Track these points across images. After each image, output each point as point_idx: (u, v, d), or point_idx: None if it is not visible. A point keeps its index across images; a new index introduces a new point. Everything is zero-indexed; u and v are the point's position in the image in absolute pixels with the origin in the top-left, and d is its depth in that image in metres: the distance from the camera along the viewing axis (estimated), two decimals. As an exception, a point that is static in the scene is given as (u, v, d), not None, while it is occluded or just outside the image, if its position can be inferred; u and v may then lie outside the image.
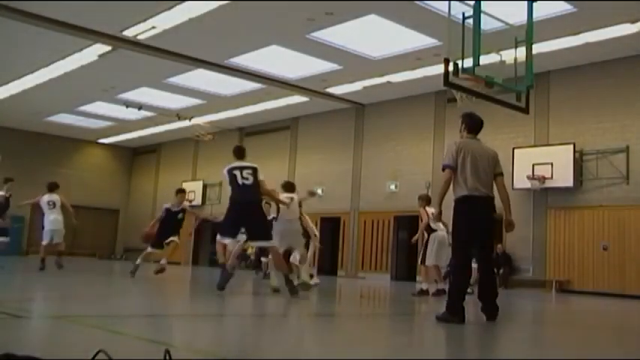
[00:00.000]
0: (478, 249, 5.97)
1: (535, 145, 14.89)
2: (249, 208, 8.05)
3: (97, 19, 13.33)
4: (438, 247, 9.67)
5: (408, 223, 17.64)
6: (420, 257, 10.05)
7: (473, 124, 6.07)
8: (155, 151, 27.78)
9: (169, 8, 12.39)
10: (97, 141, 27.37)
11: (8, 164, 21.24)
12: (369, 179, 18.67)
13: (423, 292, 9.92)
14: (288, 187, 9.82)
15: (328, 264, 19.68)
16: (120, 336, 3.93)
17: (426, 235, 9.93)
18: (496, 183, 5.96)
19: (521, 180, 14.29)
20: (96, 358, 2.43)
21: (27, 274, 11.29)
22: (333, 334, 5.07)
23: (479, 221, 5.80)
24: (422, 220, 9.97)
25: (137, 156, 28.97)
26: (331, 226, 19.63)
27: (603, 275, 13.65)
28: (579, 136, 14.29)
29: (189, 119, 21.18)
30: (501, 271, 14.41)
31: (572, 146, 14.10)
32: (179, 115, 20.71)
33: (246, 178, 8.07)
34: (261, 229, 8.17)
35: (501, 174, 6.03)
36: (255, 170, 8.19)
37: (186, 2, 12.05)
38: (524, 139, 15.08)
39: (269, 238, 8.25)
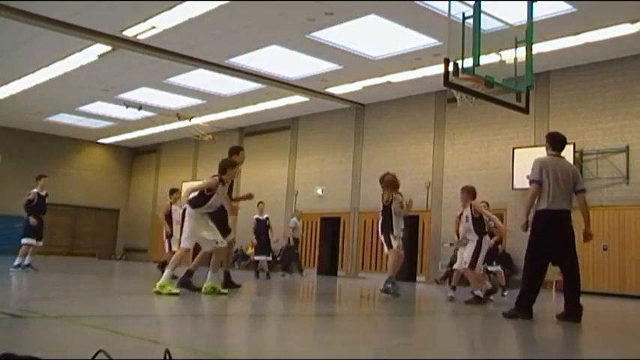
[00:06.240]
0: (560, 258, 6.55)
1: (535, 145, 14.85)
2: None
3: (97, 19, 13.32)
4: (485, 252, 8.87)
5: (407, 223, 17.59)
6: (470, 260, 8.71)
7: (555, 142, 6.73)
8: (155, 151, 27.77)
9: (169, 8, 12.38)
10: (97, 141, 27.36)
11: (8, 164, 21.26)
12: (369, 179, 18.62)
13: (479, 300, 8.70)
14: None
15: (328, 264, 19.68)
16: (120, 336, 3.93)
17: (471, 236, 8.85)
18: (577, 198, 6.60)
19: (521, 180, 14.26)
20: (96, 358, 2.42)
21: (28, 274, 11.27)
22: (332, 334, 5.06)
23: (556, 233, 6.38)
24: (490, 218, 9.03)
25: (137, 156, 28.96)
26: (331, 226, 19.62)
27: (603, 275, 13.64)
28: (579, 136, 14.29)
29: (189, 119, 21.16)
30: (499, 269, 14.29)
31: (572, 146, 14.06)
32: (179, 115, 20.69)
33: None
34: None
35: (583, 190, 6.67)
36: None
37: (186, 2, 12.05)
38: (524, 139, 15.07)
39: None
